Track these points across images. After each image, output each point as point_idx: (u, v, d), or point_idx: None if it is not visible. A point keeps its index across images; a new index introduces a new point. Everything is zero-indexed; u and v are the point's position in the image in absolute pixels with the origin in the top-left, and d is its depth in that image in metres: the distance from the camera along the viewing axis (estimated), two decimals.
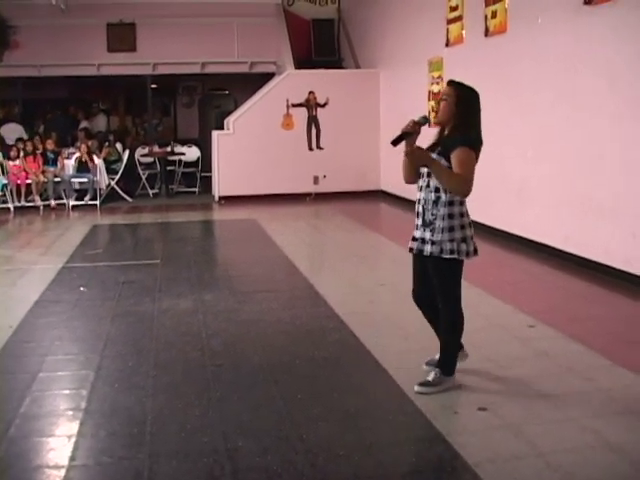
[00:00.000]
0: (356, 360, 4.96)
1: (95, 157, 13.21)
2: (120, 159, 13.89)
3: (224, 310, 6.14)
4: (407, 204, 11.29)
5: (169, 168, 14.63)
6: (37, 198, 12.67)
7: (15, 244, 9.92)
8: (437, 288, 4.26)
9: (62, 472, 3.39)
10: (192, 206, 13.09)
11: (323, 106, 13.54)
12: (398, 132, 4.23)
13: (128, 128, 18.33)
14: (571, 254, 7.49)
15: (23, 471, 3.45)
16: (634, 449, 3.55)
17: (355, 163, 13.62)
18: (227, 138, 13.44)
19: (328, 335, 5.41)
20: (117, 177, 13.56)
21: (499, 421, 3.88)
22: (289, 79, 13.67)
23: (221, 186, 13.39)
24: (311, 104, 13.53)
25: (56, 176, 12.88)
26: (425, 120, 4.24)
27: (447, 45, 10.32)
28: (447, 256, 4.10)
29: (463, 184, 4.04)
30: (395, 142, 4.20)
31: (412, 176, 4.32)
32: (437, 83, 10.67)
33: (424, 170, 4.18)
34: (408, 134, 4.17)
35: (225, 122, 14.19)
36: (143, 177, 14.35)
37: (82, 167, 13.01)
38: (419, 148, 4.15)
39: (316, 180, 13.62)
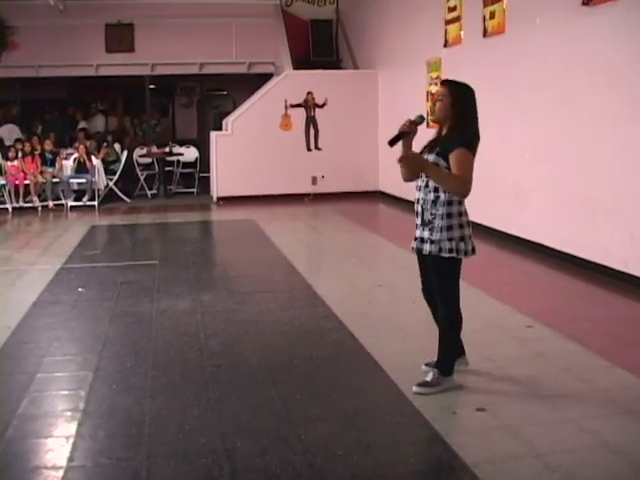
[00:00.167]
0: (354, 360, 4.96)
1: (93, 158, 13.21)
2: (118, 160, 13.89)
3: (222, 310, 6.14)
4: (406, 205, 11.30)
5: (167, 169, 14.63)
6: (35, 199, 12.66)
7: (13, 245, 9.91)
8: (436, 287, 4.29)
9: (60, 473, 3.39)
10: (190, 207, 13.09)
11: (321, 107, 13.54)
12: (395, 132, 4.26)
13: (126, 129, 18.34)
14: (569, 255, 7.50)
15: (21, 472, 3.45)
16: (632, 450, 3.55)
17: (353, 164, 13.63)
18: (225, 139, 13.44)
19: (326, 335, 5.41)
20: (115, 178, 13.55)
21: (497, 422, 3.88)
22: (287, 80, 13.67)
23: (219, 187, 13.38)
24: (309, 105, 13.53)
25: (54, 177, 12.88)
26: (421, 119, 4.28)
27: (445, 46, 10.32)
28: (446, 255, 4.12)
29: (462, 186, 4.04)
30: (392, 142, 4.24)
31: (410, 174, 4.34)
32: (435, 84, 10.67)
33: None
34: (405, 134, 4.22)
35: (223, 123, 14.19)
36: (141, 178, 14.35)
37: (80, 168, 13.01)
38: (413, 153, 4.17)
39: (314, 181, 13.62)
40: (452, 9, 10.00)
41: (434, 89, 10.66)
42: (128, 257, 8.73)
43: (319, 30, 15.92)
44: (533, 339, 5.24)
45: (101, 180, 13.24)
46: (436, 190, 4.14)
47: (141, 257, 8.74)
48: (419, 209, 4.24)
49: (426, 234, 4.17)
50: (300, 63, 14.63)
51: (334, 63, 15.56)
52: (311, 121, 13.60)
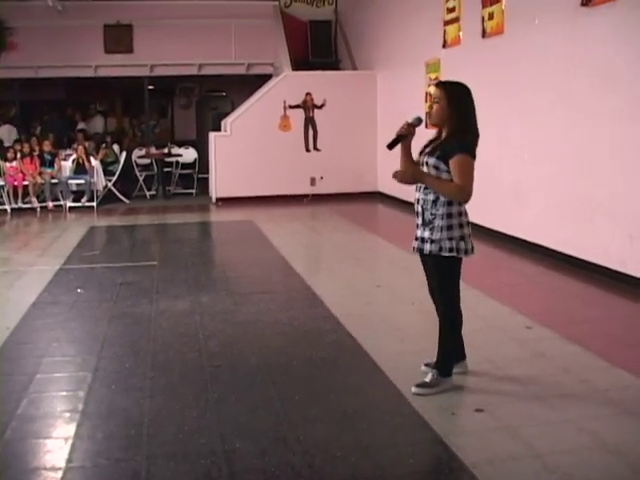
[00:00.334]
0: (353, 361, 4.96)
1: (92, 159, 13.21)
2: (117, 161, 13.89)
3: (221, 311, 6.14)
4: (404, 205, 11.30)
5: (166, 170, 14.62)
6: (34, 200, 12.66)
7: (12, 246, 9.91)
8: (436, 286, 4.32)
9: (59, 474, 3.39)
10: (189, 207, 13.08)
11: (320, 107, 13.55)
12: (393, 135, 4.30)
13: (125, 129, 18.32)
14: (568, 255, 7.50)
15: (20, 473, 3.45)
16: (632, 450, 3.56)
17: (352, 164, 13.63)
18: (224, 140, 13.44)
19: (325, 336, 5.41)
20: (114, 179, 13.56)
21: (496, 422, 3.88)
22: (286, 81, 13.67)
23: (218, 187, 13.38)
24: (308, 105, 13.54)
25: (53, 178, 12.87)
26: (419, 121, 4.32)
27: (444, 46, 10.33)
28: (446, 254, 4.15)
29: (461, 194, 4.09)
30: (391, 145, 4.30)
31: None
32: (435, 85, 10.67)
33: (424, 169, 4.21)
34: (403, 136, 4.28)
35: (222, 124, 14.19)
36: (140, 179, 14.35)
37: (79, 169, 13.01)
38: (407, 169, 4.24)
39: (313, 181, 13.62)
40: (451, 10, 10.01)
41: (433, 90, 10.66)
42: (127, 258, 8.72)
43: (318, 31, 15.93)
44: (532, 340, 5.24)
45: (100, 181, 13.24)
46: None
47: (140, 258, 8.73)
48: (419, 209, 4.25)
49: (427, 234, 4.19)
50: (299, 64, 14.63)
51: (333, 64, 15.57)
52: (310, 122, 13.60)
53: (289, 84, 13.60)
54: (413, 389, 4.24)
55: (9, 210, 12.44)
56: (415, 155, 4.39)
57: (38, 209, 12.57)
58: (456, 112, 4.14)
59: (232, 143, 13.34)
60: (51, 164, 13.11)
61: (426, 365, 4.49)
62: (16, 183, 12.61)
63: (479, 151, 4.17)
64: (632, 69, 6.45)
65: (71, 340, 5.56)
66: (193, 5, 15.77)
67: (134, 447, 3.65)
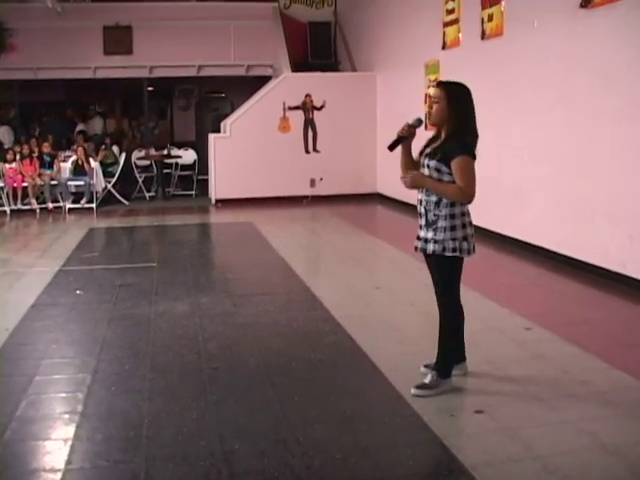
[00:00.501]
0: (352, 363, 4.96)
1: (91, 160, 13.21)
2: (117, 162, 13.90)
3: (220, 313, 6.13)
4: (404, 207, 11.30)
5: (166, 171, 14.62)
6: (33, 201, 12.65)
7: (12, 247, 9.90)
8: (438, 284, 4.33)
9: (58, 476, 3.39)
10: (189, 209, 13.08)
11: (320, 109, 13.55)
12: (394, 137, 4.33)
13: (125, 131, 18.33)
14: (568, 257, 7.51)
15: (20, 474, 3.45)
16: (631, 452, 3.56)
17: (352, 166, 13.63)
18: (224, 141, 13.44)
19: (324, 338, 5.41)
20: (114, 180, 13.56)
21: (496, 424, 3.88)
22: (286, 82, 13.67)
23: (218, 189, 13.38)
24: (308, 107, 13.54)
25: (52, 179, 12.87)
26: (419, 122, 4.35)
27: (444, 48, 10.33)
28: (449, 254, 4.17)
29: (463, 196, 4.12)
30: (392, 147, 4.35)
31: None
32: (434, 86, 10.66)
33: (425, 171, 4.23)
34: (404, 138, 4.33)
35: (222, 125, 14.20)
36: (140, 180, 14.34)
37: (79, 170, 13.00)
38: (413, 174, 4.25)
39: (313, 183, 13.62)
40: (450, 11, 10.02)
41: (432, 91, 10.66)
42: (126, 260, 8.72)
43: (317, 32, 15.93)
44: (532, 341, 5.24)
45: (99, 182, 13.23)
46: None
47: (139, 260, 8.73)
48: (422, 210, 4.27)
49: (430, 234, 4.21)
50: (298, 65, 14.64)
51: (332, 65, 15.57)
52: (309, 123, 13.60)
53: (288, 85, 13.61)
54: (412, 390, 4.24)
55: (8, 212, 12.43)
56: (415, 155, 4.41)
57: (37, 211, 12.56)
58: (456, 112, 4.15)
59: (231, 144, 13.35)
60: (50, 165, 13.11)
61: (425, 366, 4.49)
62: (15, 185, 12.61)
63: (479, 152, 4.18)
64: (632, 69, 6.45)
65: (70, 342, 5.56)
66: (192, 6, 15.79)
67: (133, 449, 3.65)
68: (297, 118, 13.56)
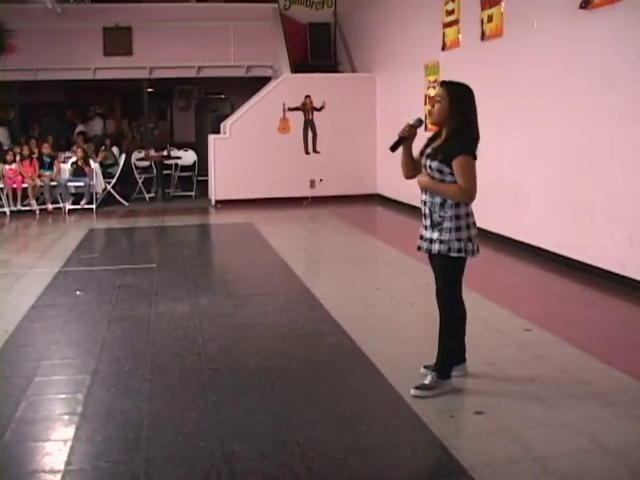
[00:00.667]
0: (352, 364, 4.96)
1: (91, 161, 13.21)
2: (116, 163, 13.90)
3: (220, 314, 6.13)
4: (404, 208, 11.31)
5: (165, 172, 14.61)
6: (33, 202, 12.65)
7: (11, 248, 9.90)
8: (440, 285, 4.34)
9: (58, 477, 3.38)
10: (188, 210, 13.08)
11: (319, 110, 13.55)
12: (395, 138, 4.37)
13: (124, 132, 18.33)
14: (567, 258, 7.50)
15: (19, 476, 3.44)
16: (631, 453, 3.55)
17: (352, 167, 13.63)
18: (223, 142, 13.44)
19: (324, 339, 5.41)
20: (113, 181, 13.56)
21: (495, 425, 3.88)
22: (285, 83, 13.68)
23: (217, 190, 13.38)
24: (307, 108, 13.54)
25: (52, 180, 12.87)
26: (420, 122, 4.39)
27: (443, 49, 10.33)
28: (455, 255, 4.20)
29: (465, 195, 4.15)
30: (394, 148, 4.40)
31: (411, 171, 4.47)
32: (433, 87, 10.68)
33: (426, 171, 4.25)
34: (405, 138, 4.36)
35: (221, 126, 14.20)
36: (139, 181, 14.33)
37: (78, 171, 13.00)
38: (419, 180, 4.30)
39: (312, 184, 13.62)
40: (450, 12, 10.02)
41: (432, 92, 10.67)
42: (126, 260, 8.72)
43: (317, 33, 15.93)
44: (531, 342, 5.24)
45: (99, 183, 13.24)
46: None
47: (139, 260, 8.73)
48: (427, 211, 4.29)
49: (435, 235, 4.23)
50: (298, 66, 14.65)
51: (332, 66, 15.57)
52: (309, 124, 13.61)
53: (288, 86, 13.61)
54: (412, 391, 4.24)
55: (8, 213, 12.43)
56: (415, 154, 4.45)
57: (37, 212, 12.56)
58: (457, 112, 4.17)
59: (231, 145, 13.35)
60: (50, 167, 13.11)
61: (425, 367, 4.49)
62: (15, 185, 12.61)
63: (479, 153, 4.19)
64: (632, 69, 6.45)
65: (70, 343, 5.55)
66: (192, 7, 15.82)
67: (133, 450, 3.65)
68: (297, 119, 13.56)
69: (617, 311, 6.21)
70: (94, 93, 17.59)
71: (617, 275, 6.73)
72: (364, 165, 13.67)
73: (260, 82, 14.89)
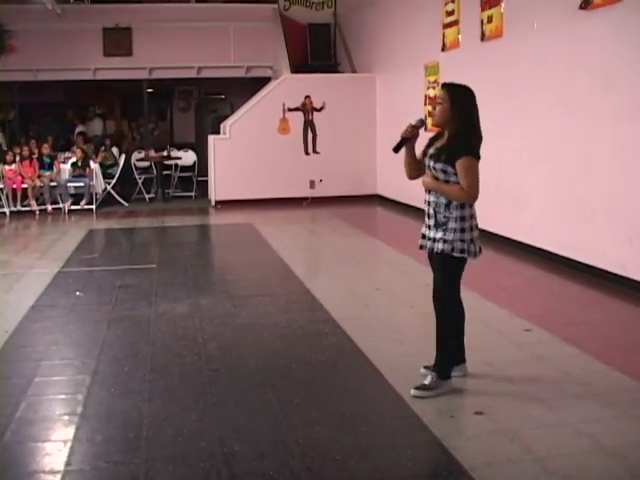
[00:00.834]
0: (352, 364, 4.96)
1: (91, 161, 13.21)
2: (116, 163, 13.90)
3: (220, 314, 6.13)
4: (404, 208, 11.30)
5: (165, 172, 14.61)
6: (33, 203, 12.65)
7: (11, 249, 9.90)
8: (440, 284, 4.34)
9: (58, 477, 3.38)
10: (188, 210, 13.08)
11: (319, 110, 13.56)
12: (398, 139, 4.39)
13: (124, 132, 18.33)
14: (567, 258, 7.50)
15: (19, 476, 3.44)
16: (630, 453, 3.55)
17: (351, 167, 13.63)
18: (223, 142, 13.44)
19: (324, 339, 5.41)
20: (113, 181, 13.55)
21: (495, 425, 3.88)
22: (285, 83, 13.68)
23: (217, 190, 13.38)
24: (307, 108, 13.54)
25: (52, 180, 12.87)
26: (422, 123, 4.43)
27: (443, 49, 10.34)
28: (457, 255, 4.22)
29: (467, 195, 4.18)
30: (396, 149, 4.43)
31: (415, 171, 4.50)
32: (433, 87, 10.69)
33: (432, 172, 4.28)
34: (407, 139, 4.39)
35: (221, 126, 14.20)
36: (139, 181, 14.33)
37: (78, 171, 13.00)
38: (423, 181, 4.33)
39: (312, 184, 13.62)
40: (450, 13, 10.02)
41: (432, 93, 10.68)
42: (126, 261, 8.72)
43: (317, 34, 15.93)
44: (531, 343, 5.24)
45: (99, 184, 13.24)
46: None
47: (139, 261, 8.73)
48: (431, 211, 4.31)
49: (439, 234, 4.25)
50: (298, 67, 14.65)
51: (332, 67, 15.57)
52: (309, 125, 13.61)
53: (288, 87, 13.61)
54: (412, 391, 4.25)
55: (8, 213, 12.43)
56: (417, 153, 4.47)
57: (37, 212, 12.57)
58: (459, 114, 4.20)
59: (231, 146, 13.35)
60: (50, 167, 13.11)
61: (425, 368, 4.49)
62: (15, 186, 12.61)
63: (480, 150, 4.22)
64: (632, 69, 6.45)
65: (70, 343, 5.55)
66: (192, 8, 15.82)
67: (133, 450, 3.65)
68: (297, 119, 13.57)
69: (617, 311, 6.21)
70: (94, 93, 17.59)
71: (617, 275, 6.73)
72: (364, 165, 13.67)
73: (260, 82, 14.90)
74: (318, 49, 15.84)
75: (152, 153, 14.73)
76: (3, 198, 12.55)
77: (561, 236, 7.64)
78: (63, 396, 4.45)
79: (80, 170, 13.01)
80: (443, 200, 4.23)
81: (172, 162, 14.63)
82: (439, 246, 4.24)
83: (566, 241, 7.56)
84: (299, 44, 15.50)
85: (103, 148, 14.11)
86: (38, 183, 12.75)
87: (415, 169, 4.48)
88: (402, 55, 12.18)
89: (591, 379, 4.50)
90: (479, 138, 4.26)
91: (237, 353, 5.15)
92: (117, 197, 13.65)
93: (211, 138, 13.69)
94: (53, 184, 12.87)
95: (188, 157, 14.90)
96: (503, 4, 8.54)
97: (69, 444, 3.71)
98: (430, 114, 10.12)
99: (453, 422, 4.04)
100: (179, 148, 15.20)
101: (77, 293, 6.92)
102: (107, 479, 3.44)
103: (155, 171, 14.51)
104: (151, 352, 5.18)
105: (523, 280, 7.42)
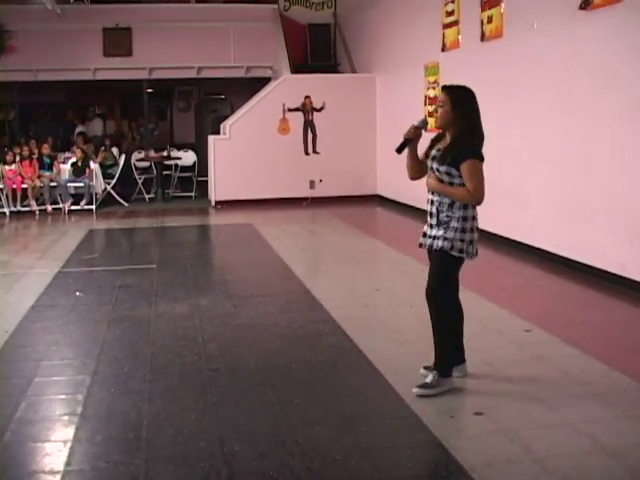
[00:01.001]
0: (352, 364, 4.96)
1: (91, 162, 13.21)
2: (116, 163, 13.90)
3: (220, 314, 6.13)
4: (404, 208, 11.30)
5: (165, 173, 14.62)
6: (33, 203, 12.65)
7: (11, 249, 9.90)
8: (434, 282, 4.34)
9: (58, 477, 3.38)
10: (188, 210, 13.09)
11: (319, 110, 13.56)
12: (401, 139, 4.41)
13: (124, 132, 18.34)
14: (567, 258, 7.50)
15: (19, 476, 3.44)
16: (630, 453, 3.55)
17: (351, 167, 13.63)
18: (223, 143, 13.45)
19: (324, 339, 5.41)
20: (113, 182, 13.55)
21: (495, 425, 3.88)
22: (285, 84, 13.68)
23: (217, 190, 13.39)
24: (307, 109, 13.55)
25: (52, 181, 12.87)
26: (425, 124, 4.45)
27: (443, 50, 10.34)
28: (455, 254, 4.24)
29: (474, 198, 4.20)
30: (399, 149, 4.44)
31: (417, 173, 4.52)
32: (433, 88, 10.69)
33: (436, 174, 4.29)
34: (410, 140, 4.41)
35: (221, 127, 14.20)
36: (139, 182, 14.34)
37: (78, 172, 13.00)
38: (428, 183, 4.35)
39: (312, 184, 13.62)
40: (450, 13, 10.02)
41: (432, 93, 10.69)
42: (126, 261, 8.72)
43: (317, 34, 15.93)
44: (531, 343, 5.24)
45: (99, 184, 13.24)
46: None
47: (139, 261, 8.73)
48: (434, 210, 4.33)
49: (440, 232, 4.27)
50: (298, 67, 14.66)
51: (332, 67, 15.58)
52: (309, 125, 13.61)
53: (288, 87, 13.61)
54: (414, 390, 4.25)
55: (8, 213, 12.43)
56: (419, 154, 4.48)
57: (37, 212, 12.57)
58: (460, 116, 4.22)
59: (231, 146, 13.35)
60: (50, 167, 13.11)
61: (425, 368, 4.49)
62: (15, 186, 12.61)
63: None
64: (632, 70, 6.45)
65: (70, 343, 5.55)
66: (192, 8, 15.82)
67: (133, 450, 3.65)
68: (297, 120, 13.57)
69: (617, 312, 6.21)
70: (94, 94, 17.61)
71: (617, 276, 6.73)
72: (364, 166, 13.67)
73: (260, 83, 14.90)
74: (318, 49, 15.85)
75: (152, 153, 14.73)
76: (3, 198, 12.55)
77: (561, 236, 7.64)
78: (63, 396, 4.45)
79: (82, 166, 13.00)
80: (447, 200, 4.25)
81: (172, 162, 14.63)
82: (438, 243, 4.25)
83: (566, 241, 7.56)
84: (299, 44, 15.51)
85: (103, 148, 14.12)
86: (38, 183, 12.75)
87: (417, 170, 4.50)
88: (402, 55, 12.18)
89: (591, 379, 4.50)
90: (481, 138, 4.27)
91: (237, 353, 5.15)
92: (117, 197, 13.65)
93: (211, 138, 13.70)
94: (53, 184, 12.87)
95: (188, 157, 14.90)
96: (503, 4, 8.55)
97: (69, 444, 3.71)
98: (429, 114, 10.11)
99: (453, 422, 4.04)
100: (179, 148, 15.21)
101: (77, 293, 6.92)
102: (107, 479, 3.44)
103: (155, 171, 14.52)
104: (151, 352, 5.18)
105: (523, 280, 7.42)
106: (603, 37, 6.82)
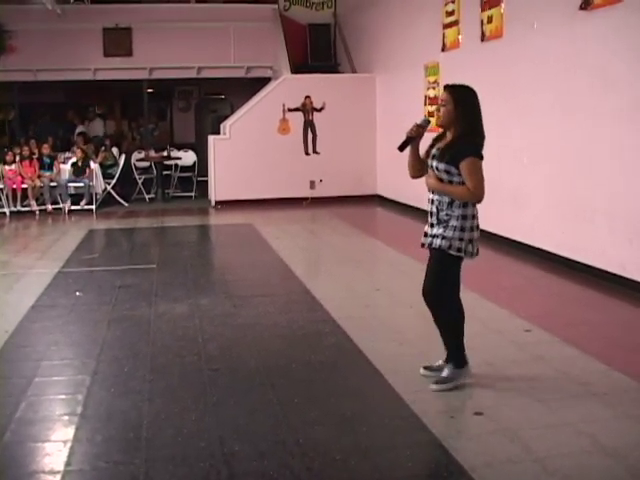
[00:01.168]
0: (352, 364, 4.96)
1: (91, 162, 13.21)
2: (116, 164, 13.89)
3: (220, 314, 6.13)
4: (403, 208, 11.30)
5: (165, 173, 14.61)
6: (33, 203, 12.65)
7: (11, 249, 9.89)
8: (432, 281, 4.35)
9: (58, 477, 3.38)
10: (188, 210, 13.09)
11: (319, 110, 13.56)
12: (403, 137, 4.42)
13: (124, 132, 18.34)
14: (567, 258, 7.50)
15: (18, 476, 3.44)
16: (630, 453, 3.55)
17: (351, 167, 13.63)
18: (223, 143, 13.45)
19: (324, 339, 5.41)
20: (113, 182, 13.55)
21: (495, 425, 3.88)
22: (285, 84, 13.68)
23: (217, 190, 13.39)
24: (307, 109, 13.54)
25: (52, 181, 12.87)
26: (427, 123, 4.46)
27: (443, 50, 10.34)
28: (454, 253, 4.24)
29: (473, 196, 4.21)
30: (401, 147, 4.46)
31: (418, 171, 4.53)
32: (433, 88, 10.69)
33: (435, 172, 4.29)
34: (412, 138, 4.42)
35: (221, 127, 14.20)
36: (139, 182, 14.33)
37: (78, 172, 13.00)
38: (428, 182, 4.36)
39: (312, 184, 13.62)
40: (450, 13, 10.02)
41: (432, 93, 10.68)
42: (126, 261, 8.72)
43: (317, 34, 15.93)
44: (531, 343, 5.24)
45: (99, 184, 13.24)
46: None
47: (139, 261, 8.73)
48: (434, 209, 4.34)
49: (440, 231, 4.27)
50: (298, 67, 14.66)
51: (332, 67, 15.57)
52: (309, 125, 13.61)
53: (288, 87, 13.61)
54: (433, 387, 4.30)
55: (8, 213, 12.43)
56: (420, 153, 4.49)
57: (37, 212, 12.57)
58: (462, 115, 4.23)
59: (231, 146, 13.35)
60: (50, 167, 13.11)
61: (425, 368, 4.50)
62: (15, 186, 12.61)
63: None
64: (632, 70, 6.45)
65: (70, 343, 5.55)
66: (192, 8, 15.82)
67: (133, 450, 3.65)
68: (297, 120, 13.57)
69: (617, 312, 6.21)
70: (94, 94, 17.60)
71: (617, 276, 6.73)
72: (364, 166, 13.67)
73: (260, 83, 14.90)
74: (318, 49, 15.84)
75: (152, 153, 14.73)
76: (3, 198, 12.55)
77: (561, 236, 7.64)
78: (63, 396, 4.45)
79: (82, 166, 13.00)
80: (446, 199, 4.25)
81: (172, 162, 14.63)
82: (437, 242, 4.26)
83: (566, 241, 7.56)
84: (299, 44, 15.50)
85: (103, 148, 14.11)
86: (38, 183, 12.75)
87: (418, 169, 4.51)
88: (402, 55, 12.18)
89: (591, 379, 4.50)
90: (482, 137, 4.29)
91: (237, 353, 5.15)
92: (117, 197, 13.65)
93: (211, 138, 13.70)
94: (53, 184, 12.87)
95: (188, 157, 14.90)
96: (503, 4, 8.55)
97: (69, 444, 3.71)
98: (430, 114, 10.11)
99: (453, 422, 4.04)
100: (179, 148, 15.20)
101: (77, 293, 6.92)
102: (107, 479, 3.44)
103: (155, 171, 14.51)
104: (151, 352, 5.18)
105: (523, 280, 7.42)
106: (603, 37, 6.83)
